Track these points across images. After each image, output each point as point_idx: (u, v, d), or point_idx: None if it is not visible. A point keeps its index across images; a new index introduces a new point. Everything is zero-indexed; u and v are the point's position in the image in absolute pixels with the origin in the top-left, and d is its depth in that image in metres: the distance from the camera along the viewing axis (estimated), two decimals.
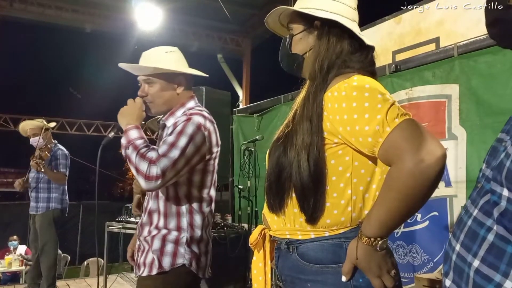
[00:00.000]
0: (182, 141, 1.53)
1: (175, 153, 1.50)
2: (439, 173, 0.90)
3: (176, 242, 1.60)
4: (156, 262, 1.57)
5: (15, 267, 6.29)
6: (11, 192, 4.26)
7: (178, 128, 1.56)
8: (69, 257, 7.68)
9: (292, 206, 1.08)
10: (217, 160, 1.71)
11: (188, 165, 1.54)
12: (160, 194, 1.64)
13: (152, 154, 1.49)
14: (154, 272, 1.57)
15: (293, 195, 1.07)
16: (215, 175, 1.74)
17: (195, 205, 1.63)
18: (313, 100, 1.08)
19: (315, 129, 1.05)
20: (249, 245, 1.22)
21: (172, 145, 1.51)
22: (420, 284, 2.59)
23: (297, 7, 1.19)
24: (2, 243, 7.26)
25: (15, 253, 6.51)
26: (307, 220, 1.06)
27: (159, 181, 1.47)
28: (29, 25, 8.44)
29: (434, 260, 2.94)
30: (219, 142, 1.71)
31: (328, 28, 1.13)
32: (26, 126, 4.12)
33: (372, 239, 0.96)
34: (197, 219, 1.63)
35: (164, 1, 7.14)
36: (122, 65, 1.70)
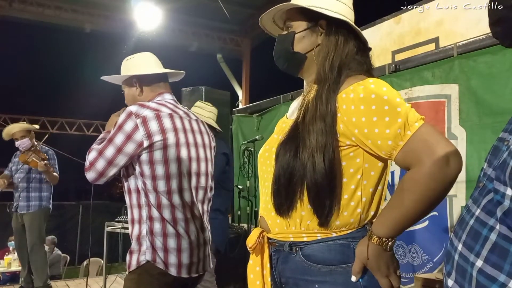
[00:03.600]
0: (112, 131, 1.61)
1: (103, 144, 1.61)
2: (457, 175, 0.93)
3: (138, 237, 1.63)
4: (128, 263, 1.64)
5: (15, 267, 6.26)
6: (11, 192, 4.27)
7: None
8: (68, 257, 7.66)
9: (301, 208, 1.06)
10: (174, 150, 1.63)
11: (121, 153, 1.58)
12: (125, 188, 1.69)
13: (92, 148, 1.65)
14: (127, 272, 1.65)
15: (304, 198, 1.05)
16: (184, 165, 1.66)
17: (151, 198, 1.61)
18: (326, 100, 1.06)
19: (329, 130, 1.03)
20: (248, 248, 1.19)
21: (106, 139, 1.63)
22: (420, 284, 2.59)
23: (301, 4, 1.15)
24: (2, 243, 7.24)
25: (14, 253, 6.49)
26: (320, 223, 1.04)
27: (90, 172, 1.61)
28: (28, 25, 8.40)
29: (434, 260, 2.94)
30: (170, 130, 1.63)
31: (335, 28, 1.13)
32: (13, 129, 4.15)
33: (384, 239, 0.98)
34: (155, 212, 1.61)
35: (163, 1, 7.13)
36: (104, 77, 1.88)
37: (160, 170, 1.61)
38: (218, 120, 3.44)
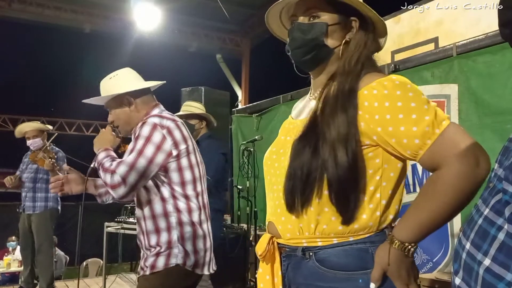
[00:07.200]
0: (139, 144, 1.62)
1: (132, 157, 1.60)
2: (487, 175, 0.88)
3: (169, 243, 1.66)
4: (152, 264, 1.66)
5: (14, 267, 6.26)
6: (11, 192, 4.27)
7: (136, 135, 1.66)
8: (68, 258, 7.66)
9: (317, 210, 0.99)
10: (193, 156, 1.75)
11: (152, 164, 1.61)
12: (143, 199, 1.71)
13: (113, 165, 1.59)
14: (148, 272, 1.66)
15: (322, 197, 0.98)
16: (200, 169, 1.79)
17: (181, 203, 1.68)
18: (349, 92, 1.00)
19: (351, 120, 0.97)
20: (257, 256, 1.11)
21: (130, 151, 1.62)
22: (420, 284, 2.59)
23: None
24: (1, 244, 7.24)
25: (13, 254, 6.49)
26: (344, 221, 0.98)
27: (122, 187, 1.56)
28: (28, 25, 8.41)
29: (434, 260, 2.94)
30: (188, 137, 1.74)
31: (367, 25, 1.09)
32: (25, 127, 4.12)
33: (406, 244, 0.92)
34: (185, 216, 1.68)
35: (163, 1, 7.13)
36: (85, 101, 1.87)
37: (188, 175, 1.70)
38: (217, 120, 3.44)
